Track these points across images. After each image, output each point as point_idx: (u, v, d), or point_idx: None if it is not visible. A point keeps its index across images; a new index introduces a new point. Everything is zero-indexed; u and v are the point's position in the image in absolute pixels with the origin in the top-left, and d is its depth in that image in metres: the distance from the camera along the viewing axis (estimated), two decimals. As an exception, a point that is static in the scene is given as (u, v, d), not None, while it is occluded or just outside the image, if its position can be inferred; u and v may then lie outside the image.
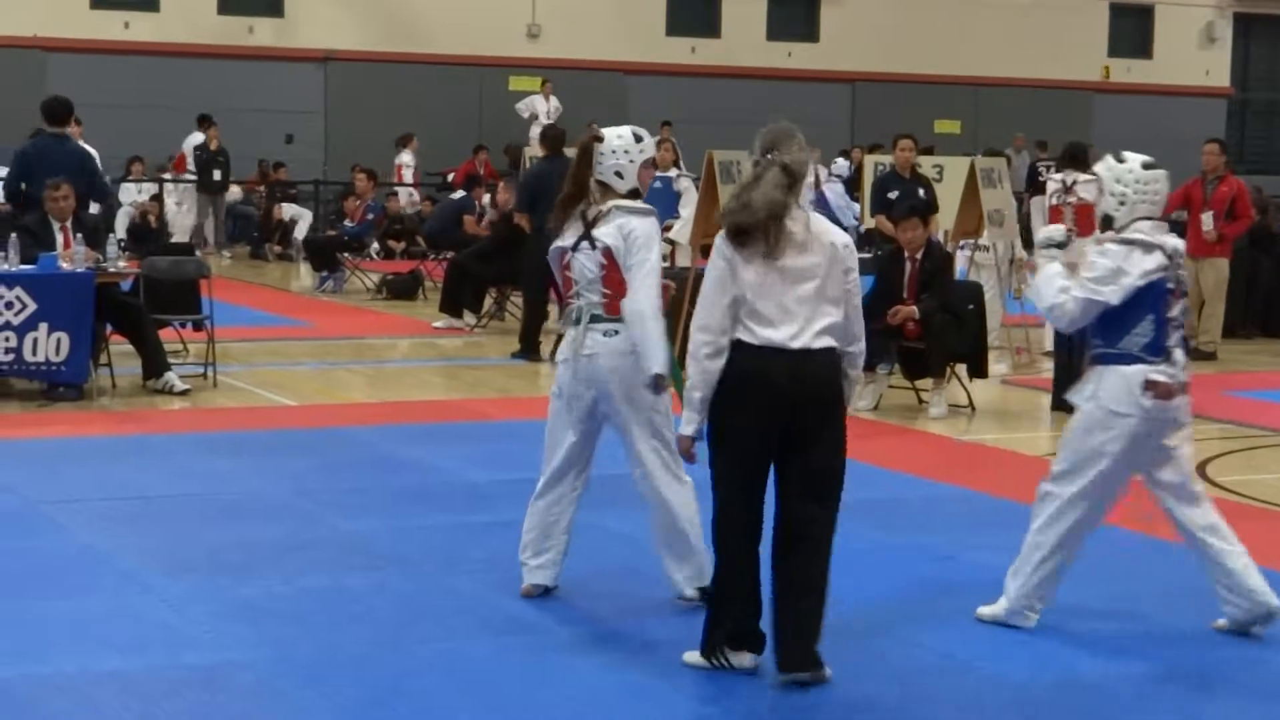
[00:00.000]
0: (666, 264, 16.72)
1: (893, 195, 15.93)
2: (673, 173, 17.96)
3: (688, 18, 34.21)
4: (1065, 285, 7.52)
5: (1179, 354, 7.41)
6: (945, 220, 16.23)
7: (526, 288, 16.82)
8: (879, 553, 8.79)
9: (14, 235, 13.69)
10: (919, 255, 13.61)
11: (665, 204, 17.44)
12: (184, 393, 13.74)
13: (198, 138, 27.87)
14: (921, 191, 15.92)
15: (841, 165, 31.37)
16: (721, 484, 6.72)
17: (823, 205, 22.30)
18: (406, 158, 29.77)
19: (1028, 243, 21.73)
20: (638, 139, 7.76)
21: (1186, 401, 7.48)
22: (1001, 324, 16.93)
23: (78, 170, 14.62)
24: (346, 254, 23.45)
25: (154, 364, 13.93)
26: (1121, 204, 7.52)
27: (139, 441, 11.95)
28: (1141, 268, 7.36)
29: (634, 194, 7.69)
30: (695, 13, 34.37)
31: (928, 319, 13.34)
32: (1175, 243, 7.50)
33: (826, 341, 6.63)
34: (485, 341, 17.74)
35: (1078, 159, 17.66)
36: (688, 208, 17.18)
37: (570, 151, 18.59)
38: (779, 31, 34.70)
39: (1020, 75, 35.80)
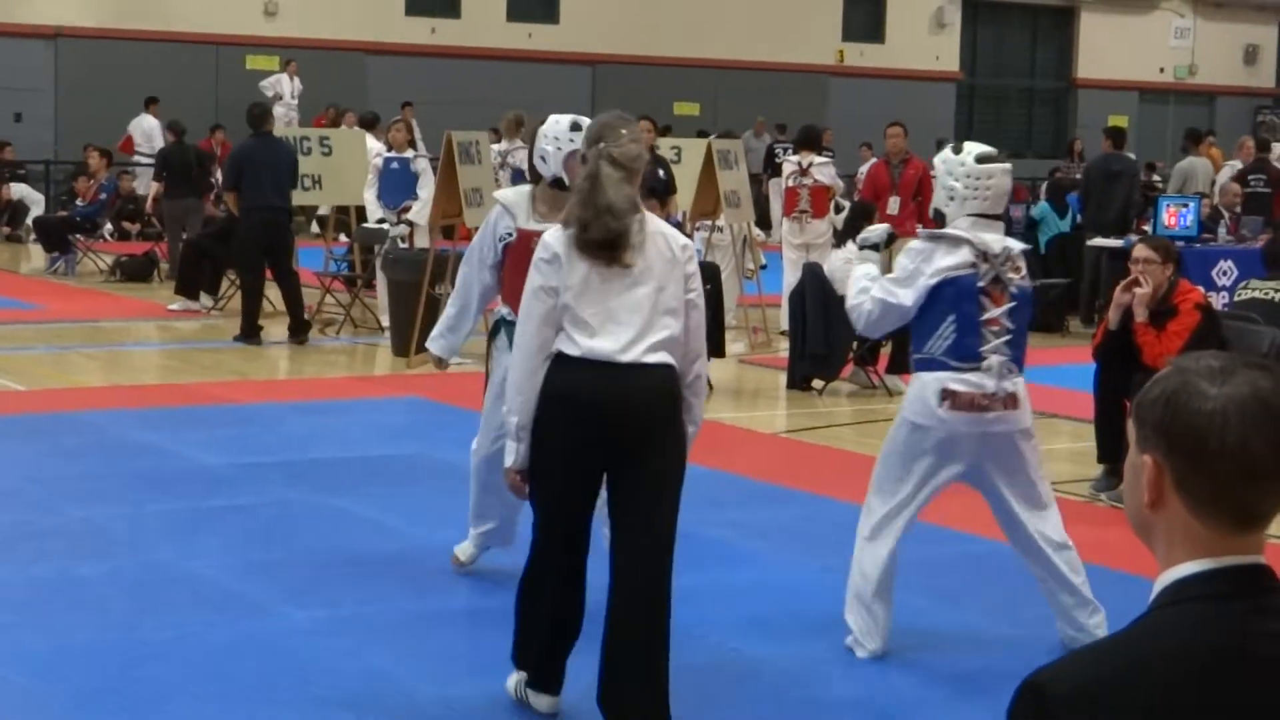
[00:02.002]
0: (405, 246, 16.72)
1: (632, 177, 16.02)
2: (409, 154, 17.89)
3: (428, -3, 34.03)
4: (866, 286, 7.02)
5: (995, 360, 6.80)
6: (683, 201, 16.41)
7: (241, 269, 16.60)
8: (617, 531, 8.86)
9: None
10: (657, 236, 13.73)
11: (403, 185, 17.37)
12: (-92, 378, 13.38)
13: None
14: (660, 173, 16.06)
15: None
16: (538, 514, 5.96)
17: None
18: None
19: (764, 223, 22.09)
20: (575, 128, 7.27)
21: (1015, 415, 6.88)
22: (737, 304, 17.17)
23: None
24: (79, 235, 22.96)
25: (-125, 349, 13.52)
26: (951, 199, 6.92)
27: None
28: (937, 265, 6.81)
29: (558, 184, 7.31)
30: (436, -8, 34.21)
31: (666, 299, 13.46)
32: (999, 241, 6.88)
33: (662, 357, 5.75)
34: (222, 324, 17.49)
35: (813, 141, 18.01)
36: (425, 189, 17.12)
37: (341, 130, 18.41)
38: (519, 13, 34.67)
39: (758, 58, 36.25)
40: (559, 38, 34.83)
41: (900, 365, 14.08)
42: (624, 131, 5.85)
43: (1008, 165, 7.04)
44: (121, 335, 17.06)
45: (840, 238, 15.01)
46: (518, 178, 17.54)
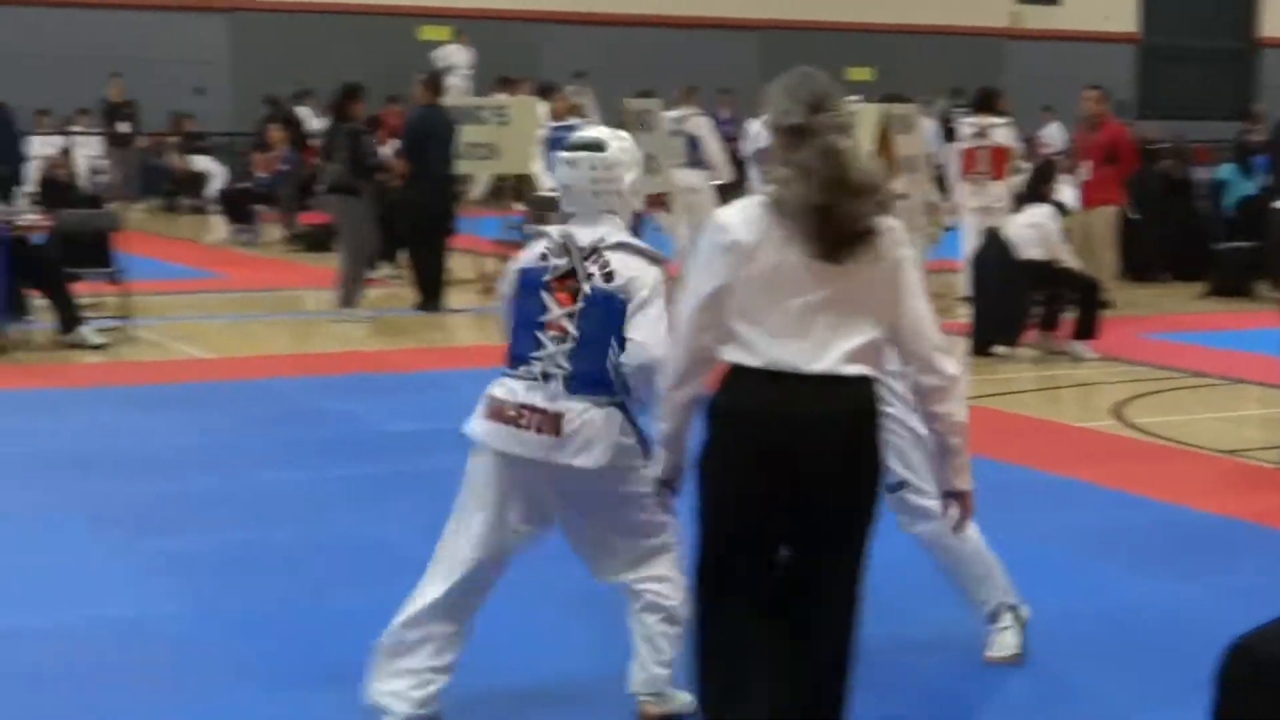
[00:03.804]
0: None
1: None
2: (574, 122, 17.95)
3: (600, -34, 34.06)
4: None
5: (539, 368, 5.52)
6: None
7: (419, 237, 16.72)
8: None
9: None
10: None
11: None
12: (99, 347, 13.64)
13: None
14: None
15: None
16: (699, 562, 4.93)
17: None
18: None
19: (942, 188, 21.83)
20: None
21: (555, 442, 5.45)
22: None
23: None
24: (261, 205, 23.28)
25: (68, 318, 13.82)
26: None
27: (55, 396, 11.87)
28: (519, 263, 5.73)
29: None
30: (607, -38, 34.24)
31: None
32: (592, 232, 5.57)
33: (860, 369, 4.72)
34: (403, 292, 17.63)
35: (991, 103, 17.78)
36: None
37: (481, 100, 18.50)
38: (690, -20, 34.63)
39: (931, 22, 35.91)
40: (729, 4, 34.72)
41: (1085, 331, 13.88)
42: (840, 94, 4.83)
43: (589, 155, 5.59)
44: (303, 304, 17.29)
45: (1020, 201, 14.82)
46: (690, 145, 17.53)
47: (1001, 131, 17.30)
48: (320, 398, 11.72)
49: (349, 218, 15.72)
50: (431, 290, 16.38)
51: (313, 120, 28.78)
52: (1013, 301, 13.74)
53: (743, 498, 4.77)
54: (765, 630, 4.82)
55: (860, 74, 34.49)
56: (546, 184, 17.48)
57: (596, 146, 5.62)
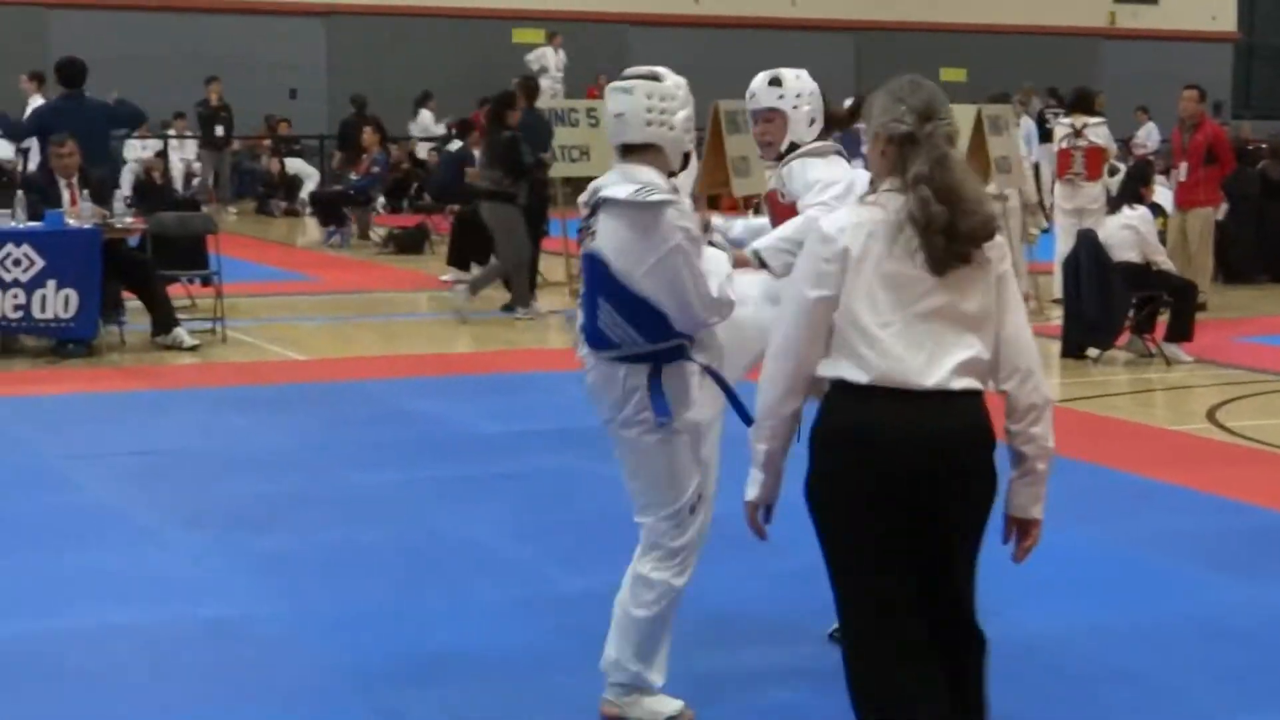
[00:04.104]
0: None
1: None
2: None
3: (691, -32, 34.09)
4: None
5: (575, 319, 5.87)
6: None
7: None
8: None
9: (20, 193, 13.72)
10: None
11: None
12: (193, 348, 13.76)
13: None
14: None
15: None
16: (857, 617, 4.64)
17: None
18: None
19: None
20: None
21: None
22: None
23: (103, 126, 14.88)
24: (352, 208, 23.42)
25: (163, 320, 13.95)
26: None
27: (149, 397, 11.99)
28: None
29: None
30: (698, -37, 34.26)
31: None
32: (603, 186, 5.64)
33: (970, 383, 4.52)
34: (493, 294, 17.68)
35: (1086, 103, 17.65)
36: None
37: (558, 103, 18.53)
38: (783, -20, 34.60)
39: (1025, 22, 35.68)
40: (823, 5, 34.65)
41: (1179, 333, 13.74)
42: (946, 101, 4.66)
43: (645, 84, 5.80)
44: (395, 306, 17.37)
45: (1115, 202, 14.69)
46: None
47: (1097, 131, 17.16)
48: (411, 399, 11.78)
49: (505, 222, 15.95)
50: (523, 290, 16.45)
51: (432, 125, 29.00)
52: (1108, 304, 13.61)
53: (866, 523, 4.53)
54: (926, 648, 4.59)
55: (954, 75, 34.32)
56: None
57: (653, 77, 5.82)
